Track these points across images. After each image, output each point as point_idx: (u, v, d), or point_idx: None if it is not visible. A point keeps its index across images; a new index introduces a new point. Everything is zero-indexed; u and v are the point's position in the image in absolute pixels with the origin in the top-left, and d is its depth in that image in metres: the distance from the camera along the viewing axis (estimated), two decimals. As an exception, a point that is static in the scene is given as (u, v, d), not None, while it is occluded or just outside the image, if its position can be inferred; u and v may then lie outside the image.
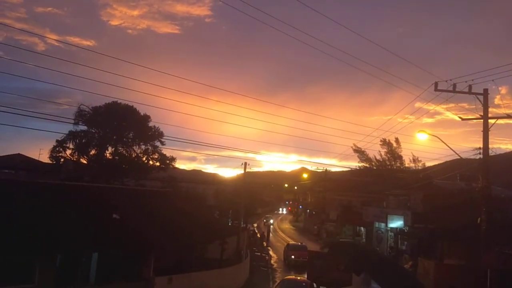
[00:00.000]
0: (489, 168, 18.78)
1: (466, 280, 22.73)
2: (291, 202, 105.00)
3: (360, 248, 10.31)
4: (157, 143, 36.89)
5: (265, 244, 47.13)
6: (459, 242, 25.45)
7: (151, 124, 36.67)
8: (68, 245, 16.16)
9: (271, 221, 71.08)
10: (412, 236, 32.10)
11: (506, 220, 24.89)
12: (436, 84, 19.24)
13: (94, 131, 35.20)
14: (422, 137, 20.17)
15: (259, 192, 67.37)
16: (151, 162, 37.33)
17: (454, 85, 19.02)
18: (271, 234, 53.16)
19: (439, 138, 19.79)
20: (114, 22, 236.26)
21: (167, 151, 37.97)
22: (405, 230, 33.83)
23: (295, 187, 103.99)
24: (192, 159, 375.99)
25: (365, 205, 46.32)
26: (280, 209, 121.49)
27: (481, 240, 18.47)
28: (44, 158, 37.60)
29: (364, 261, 6.34)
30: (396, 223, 34.81)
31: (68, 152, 34.62)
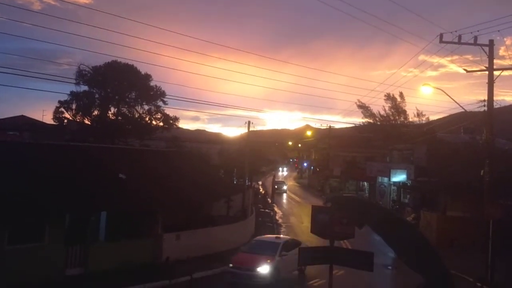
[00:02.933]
0: (493, 121, 18.66)
1: (469, 231, 23.15)
2: (297, 160, 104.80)
3: (362, 202, 10.50)
4: (160, 103, 36.73)
5: (269, 201, 47.85)
6: (462, 195, 25.70)
7: (152, 83, 36.39)
8: (75, 204, 16.47)
9: (285, 187, 62.22)
10: (415, 189, 32.45)
11: (510, 172, 24.98)
12: (441, 35, 18.80)
13: (95, 91, 35.01)
14: (426, 91, 19.95)
15: (263, 150, 67.31)
16: (154, 122, 37.29)
17: (460, 37, 18.60)
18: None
19: (443, 91, 19.57)
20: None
21: (170, 111, 37.84)
22: (408, 184, 34.17)
23: (299, 145, 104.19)
24: (195, 119, 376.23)
25: (369, 161, 46.60)
26: (280, 168, 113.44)
27: (484, 192, 18.63)
28: (48, 119, 37.71)
29: (366, 214, 6.45)
30: (399, 177, 35.12)
31: (71, 113, 34.62)
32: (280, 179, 72.84)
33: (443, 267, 6.13)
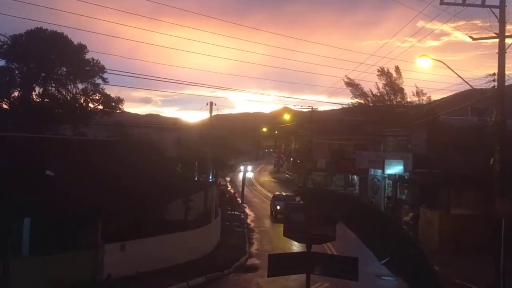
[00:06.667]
0: (504, 98, 19.15)
1: (478, 231, 23.82)
2: (277, 150, 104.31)
3: (332, 192, 10.58)
4: (98, 80, 36.03)
5: (239, 200, 48.04)
6: (469, 188, 26.39)
7: (88, 56, 35.64)
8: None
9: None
10: (413, 183, 33.08)
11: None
12: (442, -5, 19.10)
13: (14, 67, 34.06)
14: (424, 63, 20.23)
15: (231, 138, 67.19)
16: (91, 105, 36.64)
17: (465, -4, 18.95)
18: (246, 189, 53.69)
19: (444, 64, 19.92)
20: None
21: (112, 91, 37.32)
22: (405, 177, 34.81)
23: (276, 132, 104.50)
24: (146, 101, 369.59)
25: (359, 150, 47.20)
26: (242, 167, 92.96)
27: (494, 184, 19.16)
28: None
29: (337, 207, 6.48)
30: (395, 168, 35.68)
31: (-15, 95, 33.68)
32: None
33: (430, 270, 6.26)
